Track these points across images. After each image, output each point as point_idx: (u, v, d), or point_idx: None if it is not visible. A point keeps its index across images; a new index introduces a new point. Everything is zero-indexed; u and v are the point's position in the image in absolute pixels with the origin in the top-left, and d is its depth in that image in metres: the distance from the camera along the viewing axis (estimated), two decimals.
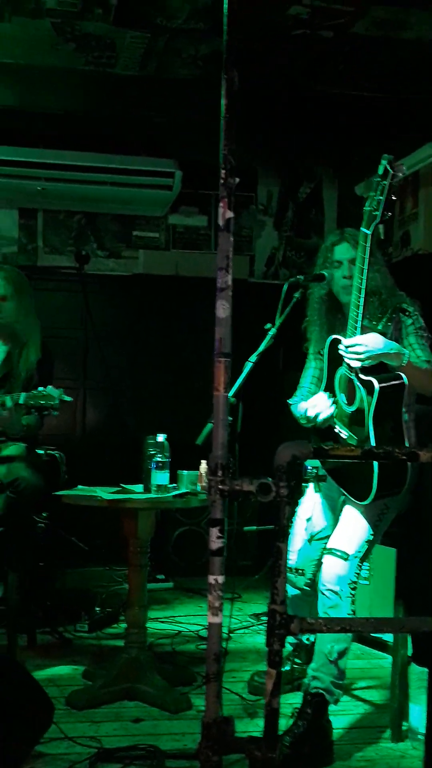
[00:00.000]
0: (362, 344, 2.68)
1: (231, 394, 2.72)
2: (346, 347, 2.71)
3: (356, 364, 2.72)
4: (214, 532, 1.61)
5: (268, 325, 2.91)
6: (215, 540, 1.60)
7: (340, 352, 2.76)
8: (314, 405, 2.90)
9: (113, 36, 4.26)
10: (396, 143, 4.87)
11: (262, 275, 6.26)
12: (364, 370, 2.73)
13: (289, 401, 3.19)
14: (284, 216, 6.34)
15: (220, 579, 1.60)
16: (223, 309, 1.65)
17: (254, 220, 6.27)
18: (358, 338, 2.70)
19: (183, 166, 5.52)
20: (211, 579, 1.60)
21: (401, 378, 2.74)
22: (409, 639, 2.90)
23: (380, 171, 2.63)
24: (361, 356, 2.69)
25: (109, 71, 4.65)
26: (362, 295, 2.67)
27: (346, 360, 2.75)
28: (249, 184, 6.25)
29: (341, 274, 2.99)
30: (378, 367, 2.74)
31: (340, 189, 6.32)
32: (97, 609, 4.26)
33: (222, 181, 1.58)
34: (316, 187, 6.39)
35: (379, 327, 2.89)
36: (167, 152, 5.53)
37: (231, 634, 4.09)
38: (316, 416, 2.88)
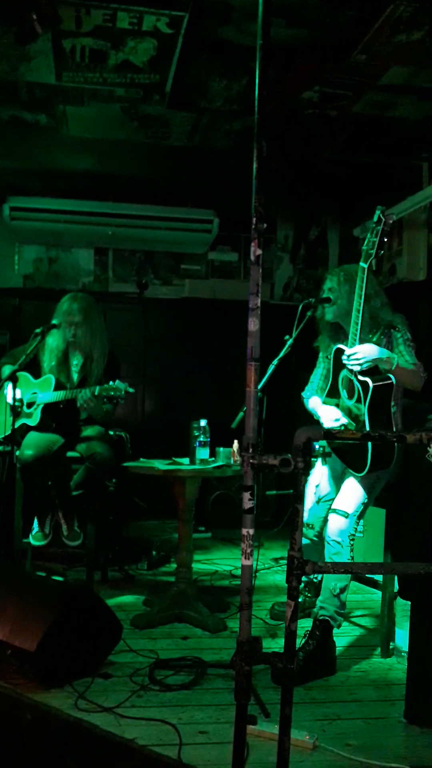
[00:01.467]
0: (360, 352, 2.66)
1: (258, 389, 2.71)
2: (348, 356, 2.70)
3: (356, 368, 2.70)
4: (246, 495, 1.61)
5: (287, 337, 2.91)
6: (247, 501, 1.60)
7: (343, 359, 2.74)
8: (329, 418, 2.86)
9: (168, 116, 4.26)
10: (385, 197, 4.83)
11: (280, 298, 6.23)
12: (362, 372, 2.71)
13: (303, 394, 3.18)
14: (298, 253, 6.31)
15: (251, 531, 1.60)
16: (253, 324, 1.64)
17: (274, 256, 6.24)
18: (357, 348, 2.68)
19: (219, 215, 5.51)
20: (244, 531, 1.60)
21: (390, 379, 2.72)
22: (396, 578, 2.88)
23: (375, 218, 2.62)
24: (360, 361, 2.67)
25: (164, 143, 4.66)
26: (360, 314, 2.65)
27: (347, 365, 2.73)
28: (271, 228, 6.22)
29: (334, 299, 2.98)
30: (373, 370, 2.72)
31: (341, 231, 6.27)
32: (154, 553, 4.28)
33: (253, 226, 1.57)
34: (322, 230, 6.34)
35: (374, 339, 2.87)
36: (208, 204, 5.54)
37: (256, 573, 4.09)
38: (324, 425, 2.86)
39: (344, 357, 2.72)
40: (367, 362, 2.66)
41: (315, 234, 6.31)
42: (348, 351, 2.71)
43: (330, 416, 2.86)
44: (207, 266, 6.11)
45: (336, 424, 2.83)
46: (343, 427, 2.81)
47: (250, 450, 1.64)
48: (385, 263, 5.29)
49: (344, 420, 2.82)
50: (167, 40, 3.37)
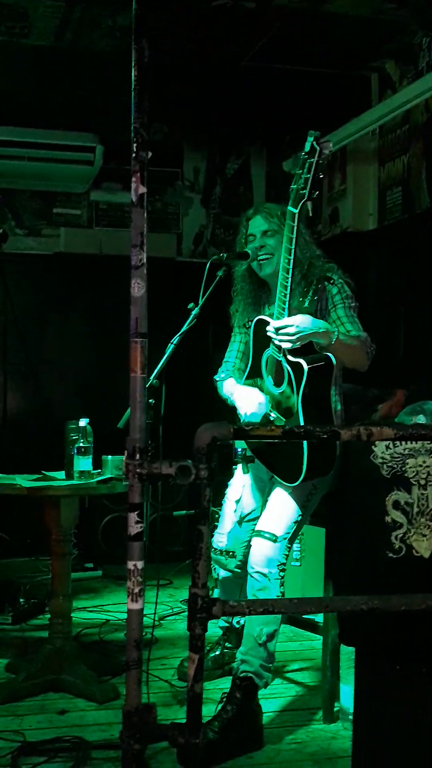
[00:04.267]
0: (292, 325, 2.70)
1: (153, 376, 2.72)
2: (276, 329, 2.73)
3: (286, 346, 2.74)
4: (132, 517, 1.61)
5: (191, 305, 2.92)
6: (133, 525, 1.61)
7: (269, 334, 2.77)
8: (248, 404, 2.91)
9: (25, 4, 4.17)
10: (323, 119, 4.91)
11: (190, 254, 6.24)
12: (292, 351, 2.75)
13: (216, 377, 3.21)
14: (212, 193, 6.34)
15: (140, 564, 1.61)
16: (138, 287, 1.64)
17: (181, 196, 6.25)
18: (287, 320, 2.72)
19: (105, 141, 5.46)
20: (130, 565, 1.61)
21: (329, 358, 2.77)
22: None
23: (306, 148, 2.64)
24: (291, 338, 2.70)
25: (23, 42, 4.55)
26: (290, 275, 2.69)
27: (275, 342, 2.77)
28: (176, 159, 6.22)
29: (254, 246, 3.02)
30: (306, 346, 2.77)
31: (269, 165, 6.35)
32: (22, 600, 4.22)
33: (134, 154, 1.57)
34: (244, 163, 6.40)
35: (306, 303, 2.92)
36: (88, 127, 5.47)
37: (161, 621, 4.12)
38: (246, 414, 2.90)
39: (270, 330, 2.76)
40: (300, 337, 2.71)
41: (234, 168, 6.37)
42: (274, 323, 2.75)
43: (249, 401, 2.90)
44: (89, 210, 6.05)
45: (257, 411, 2.87)
46: (268, 418, 2.85)
47: (137, 456, 1.64)
48: (324, 207, 5.40)
49: (272, 415, 2.86)
50: None
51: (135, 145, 1.57)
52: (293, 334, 2.70)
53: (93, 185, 5.93)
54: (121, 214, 6.08)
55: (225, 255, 3.03)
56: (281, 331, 2.71)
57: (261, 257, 3.00)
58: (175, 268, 5.75)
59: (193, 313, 2.91)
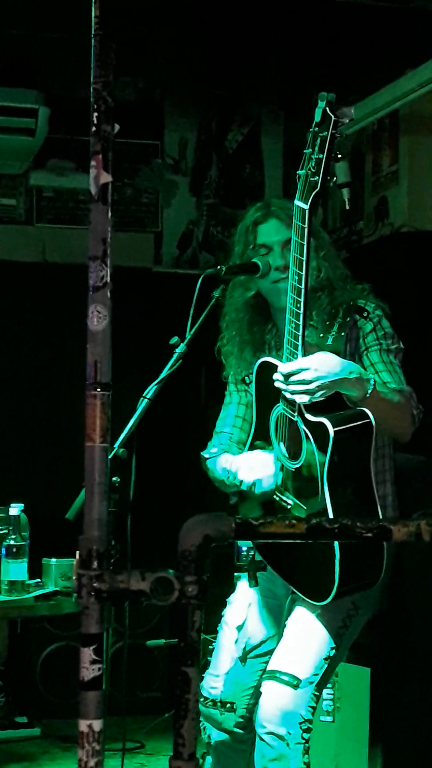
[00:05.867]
0: (309, 368, 2.72)
1: (119, 443, 2.73)
2: (285, 376, 2.75)
3: (302, 399, 2.75)
4: (87, 654, 1.60)
5: (175, 339, 2.93)
6: (88, 667, 1.60)
7: (277, 384, 2.79)
8: (250, 467, 2.92)
9: None
10: (361, 71, 4.97)
11: (173, 262, 6.31)
12: (311, 407, 2.77)
13: (204, 453, 3.20)
14: (205, 175, 6.40)
15: (96, 725, 1.60)
16: (97, 318, 1.65)
17: (160, 180, 6.32)
18: (302, 361, 2.73)
19: (52, 101, 5.53)
20: (83, 725, 1.60)
21: (367, 416, 2.78)
22: None
23: (317, 117, 2.68)
24: (310, 387, 2.72)
25: None
26: (302, 298, 2.72)
27: (284, 392, 2.78)
28: (152, 126, 6.30)
29: (272, 264, 3.04)
30: (332, 400, 2.79)
31: (288, 136, 6.41)
32: None
33: (93, 128, 1.59)
34: (251, 132, 6.47)
35: (329, 341, 2.94)
36: (29, 81, 5.54)
37: None
38: (254, 484, 2.90)
39: (277, 377, 2.78)
40: (320, 386, 2.72)
41: (238, 140, 6.44)
42: (283, 368, 2.77)
43: (254, 464, 2.92)
44: (28, 199, 6.11)
45: (267, 479, 2.88)
46: (282, 504, 2.86)
47: (95, 564, 1.65)
48: (367, 197, 5.45)
49: (288, 501, 2.86)
50: None
51: (95, 115, 1.59)
52: (310, 382, 2.71)
53: (34, 163, 6.00)
54: (73, 206, 6.15)
55: (224, 267, 3.05)
56: (294, 378, 2.73)
57: (280, 279, 3.02)
58: (151, 283, 5.81)
59: (178, 350, 2.92)
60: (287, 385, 2.75)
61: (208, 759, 3.26)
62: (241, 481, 2.94)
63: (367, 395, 2.79)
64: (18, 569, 3.25)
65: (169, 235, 6.32)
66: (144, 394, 2.87)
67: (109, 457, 1.72)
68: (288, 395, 2.78)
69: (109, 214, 1.65)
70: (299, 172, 2.72)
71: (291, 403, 2.80)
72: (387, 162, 5.31)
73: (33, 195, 6.12)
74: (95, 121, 1.60)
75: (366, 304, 3.00)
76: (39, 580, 3.35)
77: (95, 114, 1.60)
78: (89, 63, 1.60)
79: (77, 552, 3.33)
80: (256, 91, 6.29)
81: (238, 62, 5.83)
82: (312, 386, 2.72)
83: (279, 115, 6.43)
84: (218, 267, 3.06)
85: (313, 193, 2.68)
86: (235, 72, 5.97)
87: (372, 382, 2.80)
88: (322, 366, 2.72)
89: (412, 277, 4.65)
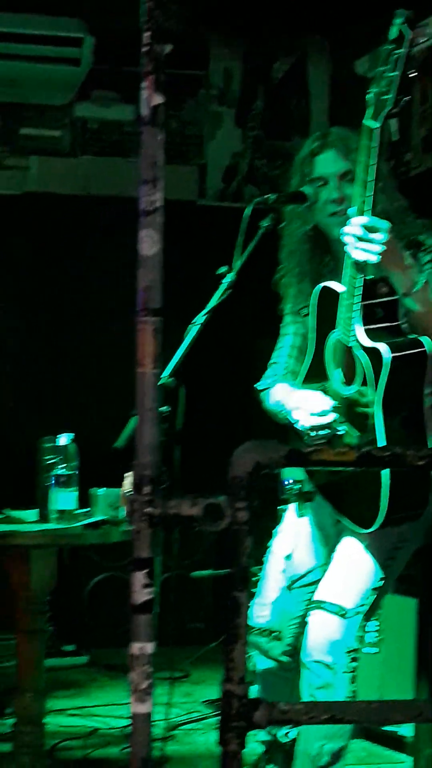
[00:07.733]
0: (385, 228, 2.70)
1: (167, 373, 2.73)
2: (363, 227, 2.71)
3: (364, 257, 2.72)
4: (139, 578, 1.61)
5: (223, 269, 2.92)
6: (140, 590, 1.61)
7: (345, 238, 2.75)
8: (307, 406, 2.90)
9: None
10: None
11: (218, 195, 6.27)
12: (373, 333, 2.76)
13: (257, 386, 3.21)
14: (251, 106, 6.35)
15: (149, 647, 1.60)
16: (149, 243, 1.64)
17: (205, 112, 6.27)
18: (379, 221, 2.72)
19: (97, 31, 5.49)
20: (135, 648, 1.60)
21: (421, 345, 2.79)
22: None
23: (393, 34, 2.64)
24: (378, 248, 2.70)
25: None
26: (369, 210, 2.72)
27: (347, 249, 2.75)
28: (198, 58, 6.24)
29: (327, 197, 3.01)
30: (387, 329, 2.79)
31: (335, 67, 6.34)
32: None
33: (145, 48, 1.57)
34: (297, 63, 6.40)
35: None
36: (72, 11, 5.50)
37: (173, 732, 4.11)
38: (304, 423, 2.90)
39: (347, 233, 2.75)
40: (391, 249, 2.70)
41: (284, 70, 6.37)
42: (357, 220, 2.72)
43: (311, 405, 2.90)
44: (73, 131, 6.09)
45: (324, 421, 2.87)
46: (337, 432, 2.86)
47: (147, 489, 1.64)
48: (415, 128, 5.38)
49: (336, 415, 2.86)
50: None
51: (147, 34, 1.57)
52: (381, 243, 2.70)
53: (78, 95, 5.96)
54: (118, 138, 6.11)
55: (273, 196, 3.03)
56: (368, 227, 2.71)
57: (337, 212, 2.99)
58: (196, 216, 5.78)
59: (226, 280, 2.91)
60: (356, 240, 2.72)
61: (254, 687, 3.30)
62: (296, 420, 2.94)
63: (416, 289, 2.78)
64: (67, 498, 3.28)
65: (213, 168, 6.29)
66: (193, 322, 2.87)
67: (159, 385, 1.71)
68: (351, 242, 2.74)
69: (161, 137, 1.63)
70: (369, 91, 2.68)
71: (346, 327, 2.78)
72: None
73: (78, 127, 6.09)
74: (147, 41, 1.58)
75: (425, 237, 2.97)
76: (87, 509, 3.37)
77: (147, 33, 1.58)
78: None
79: (125, 479, 3.36)
80: (301, 26, 6.20)
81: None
82: (381, 248, 2.70)
83: (324, 45, 6.35)
84: (266, 197, 3.04)
85: (384, 112, 2.66)
86: (281, 6, 5.89)
87: (421, 279, 2.80)
88: (391, 234, 2.73)
89: None
